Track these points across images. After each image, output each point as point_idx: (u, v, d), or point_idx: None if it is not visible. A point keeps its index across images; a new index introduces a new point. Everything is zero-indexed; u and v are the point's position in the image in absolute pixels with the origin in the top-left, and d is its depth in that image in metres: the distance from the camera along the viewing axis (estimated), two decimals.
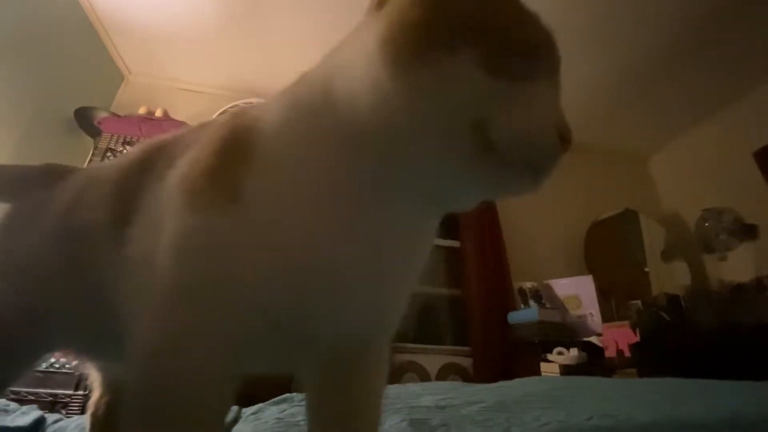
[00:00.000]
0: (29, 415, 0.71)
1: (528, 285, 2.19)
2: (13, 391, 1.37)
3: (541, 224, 2.50)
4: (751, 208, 2.37)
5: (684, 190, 2.68)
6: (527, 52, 0.26)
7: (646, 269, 2.61)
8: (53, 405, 1.40)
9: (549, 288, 2.24)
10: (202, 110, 2.25)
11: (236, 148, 0.28)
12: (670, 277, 2.58)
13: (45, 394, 1.44)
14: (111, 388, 0.48)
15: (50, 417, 0.75)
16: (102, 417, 0.47)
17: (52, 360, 1.49)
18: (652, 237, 2.75)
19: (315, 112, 0.28)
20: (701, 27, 1.86)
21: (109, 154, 2.03)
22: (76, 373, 1.48)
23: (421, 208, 0.29)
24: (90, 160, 2.00)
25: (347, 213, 0.27)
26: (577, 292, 2.18)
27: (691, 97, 2.36)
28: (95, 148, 2.04)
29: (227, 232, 0.25)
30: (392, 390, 0.82)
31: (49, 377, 1.47)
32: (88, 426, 0.48)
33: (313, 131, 0.28)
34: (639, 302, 2.21)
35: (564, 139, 0.26)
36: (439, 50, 0.24)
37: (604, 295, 2.27)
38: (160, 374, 0.24)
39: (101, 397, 0.48)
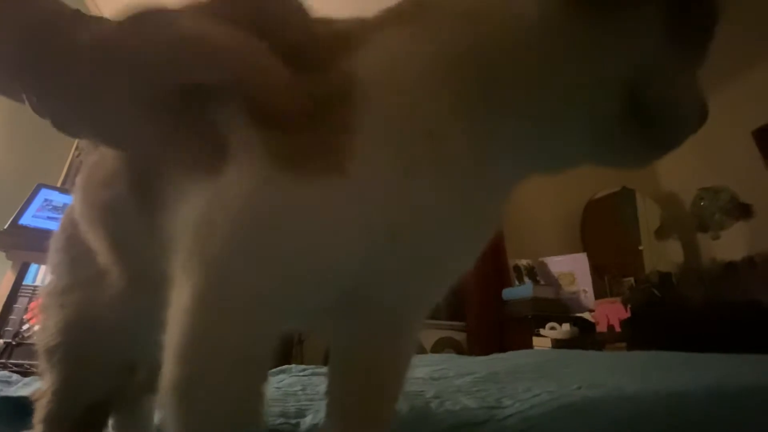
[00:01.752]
0: (31, 386, 0.73)
1: (523, 262, 2.22)
2: (15, 363, 1.40)
3: (538, 202, 2.50)
4: (747, 187, 2.38)
5: (682, 169, 2.68)
6: (706, 27, 0.25)
7: (640, 247, 2.64)
8: None
9: (544, 265, 2.27)
10: None
11: (341, 108, 0.23)
12: (663, 255, 2.61)
13: (37, 365, 1.47)
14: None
15: None
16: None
17: None
18: (648, 215, 2.77)
19: (432, 41, 0.24)
20: None
21: None
22: None
23: (515, 171, 0.27)
24: (77, 143, 1.96)
25: (456, 176, 0.24)
26: (572, 269, 2.22)
27: None
28: None
29: (333, 203, 0.22)
30: None
31: None
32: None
33: (428, 68, 0.24)
34: (632, 279, 2.25)
35: (705, 116, 0.25)
36: (629, 2, 0.22)
37: (598, 272, 2.31)
38: (210, 316, 0.22)
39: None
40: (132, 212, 0.30)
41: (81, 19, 0.24)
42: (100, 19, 0.25)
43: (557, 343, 1.79)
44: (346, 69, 0.23)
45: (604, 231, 2.64)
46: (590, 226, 2.63)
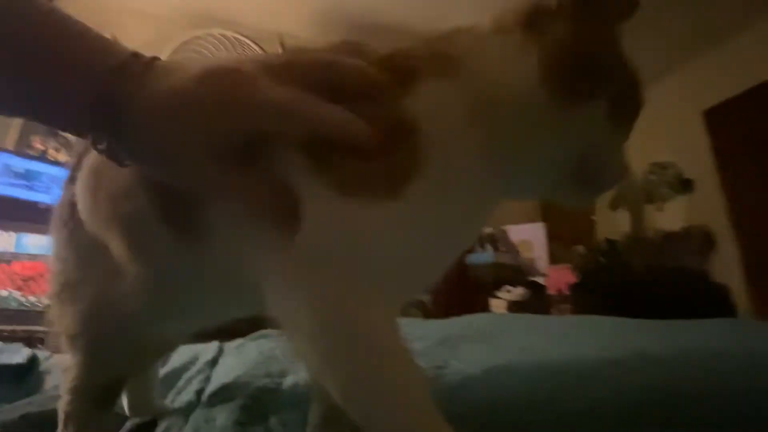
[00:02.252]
0: (22, 353, 0.77)
1: (486, 230, 2.36)
2: None
3: None
4: (692, 163, 2.58)
5: (636, 144, 2.82)
6: (635, 107, 0.33)
7: (593, 217, 2.85)
8: (29, 341, 1.45)
9: (504, 233, 2.43)
10: (154, 38, 2.07)
11: (402, 140, 0.27)
12: (614, 225, 2.83)
13: (20, 330, 1.48)
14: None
15: (41, 354, 0.80)
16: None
17: (22, 299, 1.51)
18: None
19: (467, 91, 0.29)
20: None
21: None
22: None
23: (497, 198, 0.34)
24: None
25: (474, 199, 0.31)
26: (529, 237, 2.38)
27: (647, 56, 2.42)
28: None
29: (402, 220, 0.27)
30: None
31: (24, 314, 1.50)
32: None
33: (468, 113, 0.29)
34: (582, 247, 2.44)
35: (624, 175, 0.34)
36: (589, 95, 0.30)
37: (553, 239, 2.49)
38: (342, 315, 0.25)
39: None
40: (159, 231, 0.32)
41: (155, 68, 0.26)
42: (172, 71, 0.26)
43: (512, 305, 1.97)
44: (400, 113, 0.28)
45: None
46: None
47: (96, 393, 0.42)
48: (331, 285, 0.26)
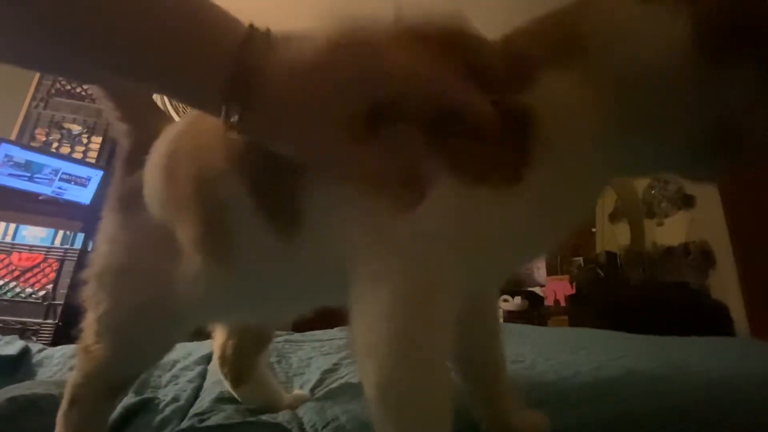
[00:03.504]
0: (14, 344, 0.76)
1: None
2: None
3: None
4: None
5: None
6: None
7: (594, 229, 2.84)
8: (22, 332, 1.44)
9: None
10: None
11: (520, 126, 0.28)
12: (613, 238, 2.83)
13: (14, 321, 1.47)
14: (236, 332, 0.53)
15: (34, 347, 0.80)
16: (231, 357, 0.53)
17: (18, 289, 1.51)
18: (605, 199, 2.96)
19: (590, 81, 0.29)
20: None
21: (58, 86, 1.89)
22: (45, 303, 1.51)
23: (613, 172, 0.33)
24: (34, 93, 1.84)
25: (587, 180, 0.31)
26: None
27: None
28: (40, 79, 1.88)
29: (509, 210, 0.28)
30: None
31: (18, 305, 1.49)
32: (219, 365, 0.54)
33: (588, 104, 0.29)
34: (581, 259, 2.44)
35: None
36: (741, 53, 0.28)
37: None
38: (413, 320, 0.26)
39: (227, 340, 0.53)
40: (252, 219, 0.33)
41: (275, 39, 0.26)
42: (295, 41, 0.26)
43: (509, 315, 1.96)
44: (522, 102, 0.28)
45: None
46: None
47: (115, 383, 0.41)
48: (430, 270, 0.27)
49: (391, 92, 0.25)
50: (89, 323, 0.41)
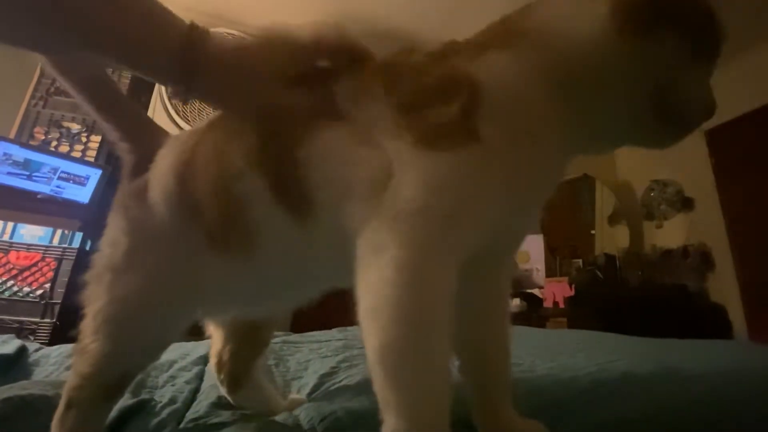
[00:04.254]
0: (10, 343, 0.76)
1: None
2: None
3: None
4: (693, 182, 2.58)
5: (639, 160, 2.86)
6: (716, 44, 0.34)
7: (593, 231, 2.85)
8: (19, 332, 1.44)
9: None
10: None
11: (467, 92, 0.32)
12: (612, 240, 2.83)
13: (11, 320, 1.47)
14: (233, 337, 0.53)
15: (31, 346, 0.79)
16: (227, 362, 0.53)
17: (15, 288, 1.50)
18: (604, 202, 2.96)
19: (528, 58, 0.33)
20: None
21: (57, 84, 1.88)
22: (42, 302, 1.51)
23: (570, 151, 0.36)
24: (33, 91, 1.83)
25: (542, 151, 0.33)
26: (527, 248, 2.38)
27: None
28: (40, 78, 1.87)
29: (473, 167, 0.31)
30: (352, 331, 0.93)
31: (15, 305, 1.48)
32: (215, 371, 0.54)
33: (527, 77, 0.33)
34: (580, 261, 2.44)
35: (711, 111, 0.35)
36: (662, 29, 0.31)
37: (552, 252, 2.49)
38: (411, 284, 0.28)
39: (224, 345, 0.53)
40: (272, 211, 0.36)
41: (207, 34, 0.35)
42: (217, 35, 0.36)
43: None
44: (467, 71, 0.33)
45: (562, 214, 2.81)
46: (550, 208, 2.78)
47: (111, 382, 0.41)
48: (421, 237, 0.29)
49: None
50: (86, 322, 0.41)
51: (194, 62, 0.34)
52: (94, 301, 0.41)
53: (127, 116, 0.46)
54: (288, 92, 0.36)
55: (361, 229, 0.31)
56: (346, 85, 0.37)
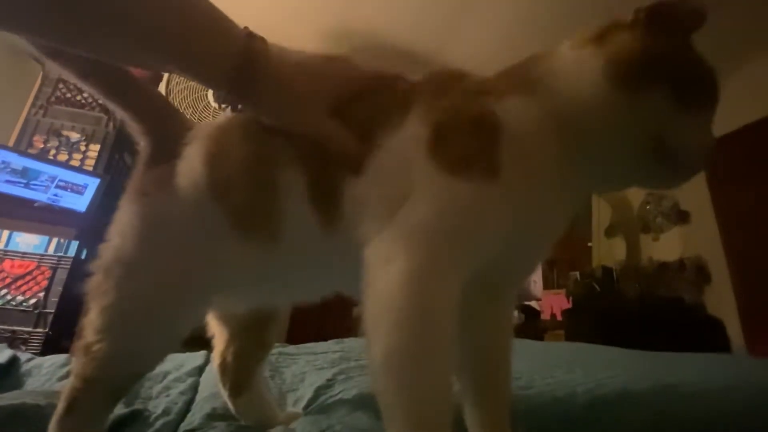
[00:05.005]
0: (2, 353, 0.75)
1: None
2: None
3: None
4: (688, 195, 2.60)
5: None
6: (702, 93, 0.36)
7: (590, 244, 2.86)
8: (11, 341, 1.42)
9: None
10: None
11: (492, 131, 0.35)
12: (609, 253, 2.84)
13: (3, 330, 1.45)
14: (237, 337, 0.53)
15: (23, 356, 0.78)
16: (232, 364, 0.52)
17: (8, 297, 1.49)
18: (601, 214, 2.97)
19: (541, 106, 0.36)
20: None
21: (61, 85, 1.90)
22: (35, 311, 1.49)
23: (582, 191, 0.39)
24: (33, 100, 1.85)
25: (553, 191, 0.36)
26: None
27: None
28: (44, 77, 1.89)
29: (486, 200, 0.33)
30: (348, 343, 0.92)
31: (8, 314, 1.47)
32: (218, 372, 0.53)
33: (541, 123, 0.36)
34: (577, 273, 2.44)
35: (713, 152, 0.37)
36: (647, 83, 0.34)
37: (549, 264, 2.49)
38: (415, 295, 0.30)
39: (228, 346, 0.53)
40: (302, 209, 0.38)
41: (266, 44, 0.37)
42: (275, 46, 0.37)
43: None
44: (490, 107, 0.36)
45: None
46: None
47: (119, 384, 0.40)
48: (429, 252, 0.31)
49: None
50: (91, 319, 0.40)
51: (253, 72, 0.35)
52: (102, 297, 0.40)
53: (139, 96, 0.46)
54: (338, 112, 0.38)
55: (372, 239, 0.33)
56: (398, 100, 0.39)
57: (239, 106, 0.37)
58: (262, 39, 0.36)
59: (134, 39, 0.33)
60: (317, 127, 0.38)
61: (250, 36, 0.36)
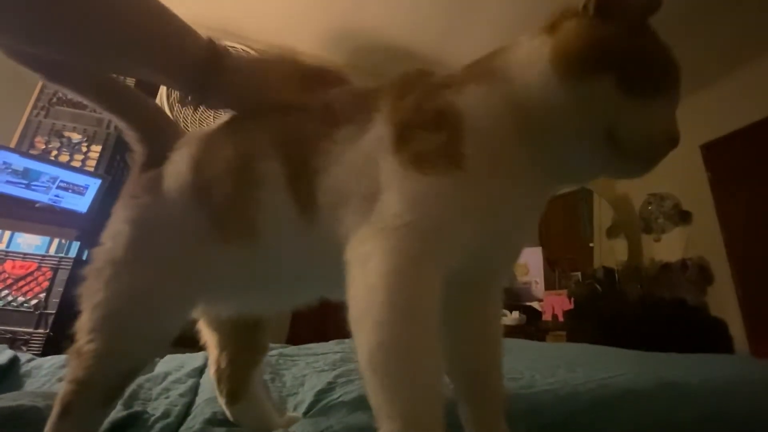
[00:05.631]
0: (2, 354, 0.75)
1: None
2: None
3: None
4: (690, 196, 2.59)
5: None
6: (654, 79, 0.35)
7: (592, 244, 2.85)
8: (12, 342, 1.42)
9: None
10: None
11: (452, 123, 0.35)
12: (611, 253, 2.83)
13: (3, 330, 1.45)
14: (228, 340, 0.53)
15: (23, 356, 0.78)
16: (226, 370, 0.53)
17: (10, 298, 1.49)
18: (602, 215, 2.96)
19: (499, 96, 0.36)
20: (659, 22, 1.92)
21: (60, 95, 1.90)
22: (36, 312, 1.49)
23: (547, 182, 0.39)
24: (35, 101, 1.85)
25: (517, 180, 0.36)
26: (526, 261, 2.37)
27: None
28: (42, 88, 1.89)
29: (453, 191, 0.33)
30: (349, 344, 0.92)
31: (9, 315, 1.47)
32: (214, 380, 0.53)
33: (500, 112, 0.36)
34: (579, 274, 2.43)
35: (673, 141, 0.35)
36: (592, 71, 0.34)
37: (550, 264, 2.48)
38: (395, 289, 0.30)
39: (221, 351, 0.53)
40: (283, 204, 0.38)
41: (227, 48, 0.41)
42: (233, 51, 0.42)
43: (506, 329, 1.94)
44: (450, 100, 0.36)
45: (561, 227, 2.81)
46: (548, 221, 2.79)
47: (112, 383, 0.40)
48: (406, 247, 0.31)
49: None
50: (82, 321, 0.40)
51: (216, 71, 0.39)
52: (92, 296, 0.40)
53: (135, 106, 0.48)
54: (297, 97, 0.42)
55: (350, 239, 0.34)
56: (357, 96, 0.40)
57: (199, 104, 0.41)
58: (223, 44, 0.41)
59: (104, 41, 0.36)
60: (280, 99, 0.42)
61: (211, 41, 0.40)
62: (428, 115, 0.36)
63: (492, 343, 0.41)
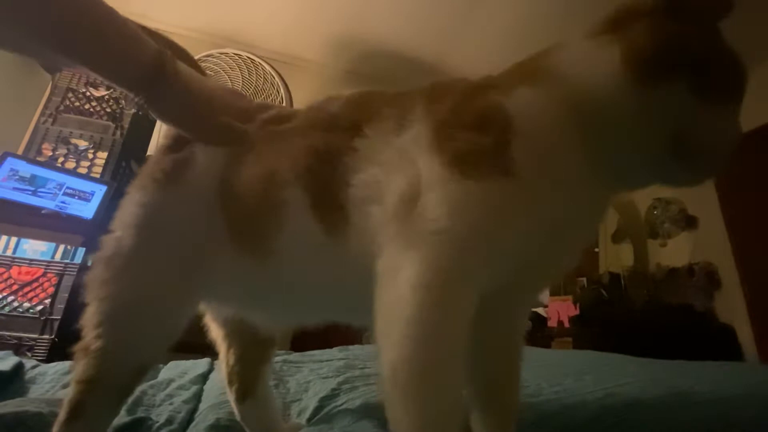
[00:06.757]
0: (7, 360, 0.75)
1: None
2: None
3: None
4: (696, 201, 2.57)
5: None
6: (728, 85, 0.34)
7: (597, 249, 2.82)
8: (18, 348, 1.42)
9: None
10: None
11: (501, 125, 0.32)
12: (617, 258, 2.80)
13: (9, 336, 1.45)
14: (235, 339, 0.53)
15: (28, 363, 0.78)
16: (235, 366, 0.52)
17: (15, 304, 1.49)
18: (607, 220, 2.94)
19: (554, 97, 0.34)
20: None
21: (70, 94, 1.92)
22: (42, 318, 1.49)
23: (603, 189, 0.37)
24: (43, 109, 1.87)
25: (571, 188, 0.34)
26: None
27: None
28: (54, 86, 1.92)
29: (498, 199, 0.31)
30: (354, 351, 0.91)
31: (14, 320, 1.47)
32: (225, 377, 0.53)
33: (555, 115, 0.33)
34: (584, 279, 2.41)
35: (736, 148, 0.34)
36: (667, 75, 0.32)
37: None
38: (425, 306, 0.29)
39: (228, 347, 0.53)
40: (307, 218, 0.37)
41: (174, 58, 0.41)
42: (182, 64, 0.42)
43: None
44: (497, 100, 0.34)
45: None
46: None
47: (120, 381, 0.40)
48: (440, 260, 0.30)
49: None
50: (89, 315, 0.40)
51: (160, 84, 0.39)
52: (100, 288, 0.40)
53: None
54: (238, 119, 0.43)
55: (383, 249, 0.32)
56: (391, 110, 0.38)
57: (144, 108, 0.40)
58: (172, 54, 0.41)
59: (54, 36, 0.36)
60: (217, 122, 0.42)
61: (161, 49, 0.40)
62: (472, 115, 0.33)
63: (514, 354, 0.41)
